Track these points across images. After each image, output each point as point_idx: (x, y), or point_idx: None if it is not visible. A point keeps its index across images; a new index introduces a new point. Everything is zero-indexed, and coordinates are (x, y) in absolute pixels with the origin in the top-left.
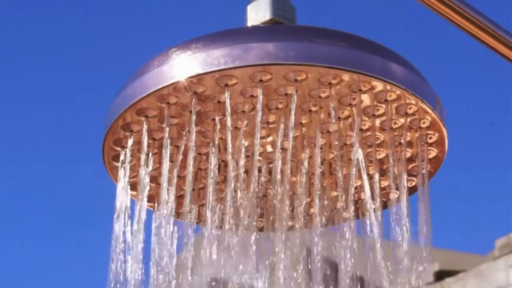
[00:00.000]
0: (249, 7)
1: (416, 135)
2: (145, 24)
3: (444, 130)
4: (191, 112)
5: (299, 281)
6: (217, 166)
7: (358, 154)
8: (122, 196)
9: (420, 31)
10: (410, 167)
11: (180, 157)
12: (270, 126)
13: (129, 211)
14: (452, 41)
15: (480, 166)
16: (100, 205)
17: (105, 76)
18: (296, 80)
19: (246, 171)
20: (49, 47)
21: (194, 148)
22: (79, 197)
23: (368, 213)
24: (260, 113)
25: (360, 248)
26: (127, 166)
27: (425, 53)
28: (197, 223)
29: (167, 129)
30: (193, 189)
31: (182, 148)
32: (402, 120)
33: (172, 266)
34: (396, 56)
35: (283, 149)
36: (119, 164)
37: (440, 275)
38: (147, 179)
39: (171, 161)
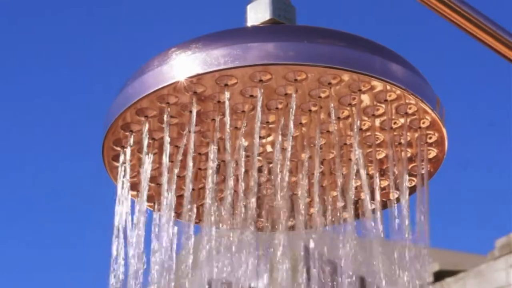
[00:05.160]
0: (249, 7)
1: (416, 135)
2: (145, 24)
3: (444, 130)
4: (191, 112)
5: (299, 281)
6: (216, 166)
7: (358, 154)
8: (122, 196)
9: (420, 31)
10: (410, 167)
11: (180, 157)
12: (270, 126)
13: (129, 211)
14: (452, 41)
15: (480, 166)
16: (100, 205)
17: (105, 76)
18: (295, 80)
19: (246, 171)
20: (49, 47)
21: (194, 148)
22: (79, 197)
23: (367, 213)
24: (259, 113)
25: (360, 248)
26: (127, 166)
27: (425, 53)
28: (196, 223)
29: (167, 129)
30: (193, 189)
31: (182, 148)
32: (402, 120)
33: (172, 266)
34: (396, 56)
35: (283, 149)
36: (119, 164)
37: (440, 275)
38: (147, 179)
39: (171, 161)
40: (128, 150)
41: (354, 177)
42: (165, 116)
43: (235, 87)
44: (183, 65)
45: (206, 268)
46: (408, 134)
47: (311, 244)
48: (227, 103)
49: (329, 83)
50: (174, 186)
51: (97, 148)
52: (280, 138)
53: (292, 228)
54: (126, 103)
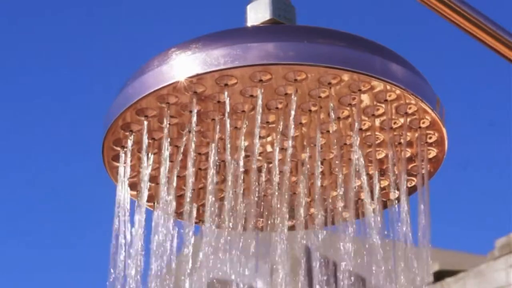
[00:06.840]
0: (249, 7)
1: (416, 135)
2: (145, 24)
3: (444, 130)
4: (191, 112)
5: (299, 281)
6: (216, 166)
7: (358, 154)
8: (122, 196)
9: (420, 31)
10: (410, 167)
11: (180, 157)
12: (270, 126)
13: (129, 211)
14: (452, 41)
15: (480, 166)
16: (100, 205)
17: (105, 76)
18: (295, 80)
19: (246, 171)
20: (49, 47)
21: (194, 148)
22: (79, 197)
23: (367, 213)
24: (260, 113)
25: (360, 248)
26: (127, 166)
27: (425, 53)
28: (196, 223)
29: (167, 129)
30: (193, 189)
31: (182, 148)
32: (402, 120)
33: (172, 266)
34: (396, 56)
35: (283, 149)
36: (119, 164)
37: (440, 275)
38: (147, 179)
39: (171, 161)
40: (128, 150)
41: (354, 177)
42: (165, 116)
43: (235, 87)
44: (183, 65)
45: (206, 268)
46: (408, 134)
47: (311, 244)
48: (227, 103)
49: (329, 83)
50: (174, 186)
51: (97, 148)
52: (280, 138)
53: (292, 228)
54: (126, 103)
